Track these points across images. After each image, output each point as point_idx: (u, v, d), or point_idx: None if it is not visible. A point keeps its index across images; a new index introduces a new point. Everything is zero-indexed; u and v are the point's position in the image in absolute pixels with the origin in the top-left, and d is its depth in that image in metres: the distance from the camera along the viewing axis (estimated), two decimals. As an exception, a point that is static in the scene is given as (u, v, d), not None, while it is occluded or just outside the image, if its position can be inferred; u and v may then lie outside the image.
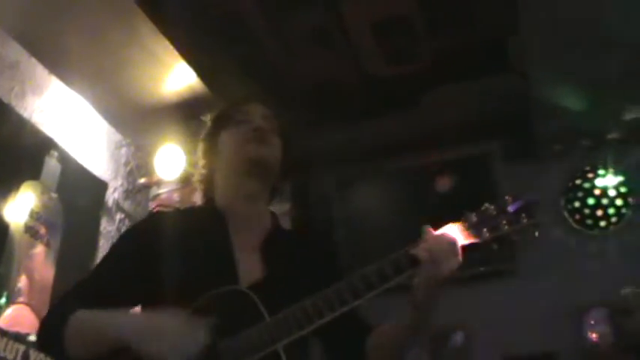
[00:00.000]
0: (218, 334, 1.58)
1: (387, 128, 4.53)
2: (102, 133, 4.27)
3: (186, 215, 2.05)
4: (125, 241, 1.93)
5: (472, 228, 1.67)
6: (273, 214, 2.00)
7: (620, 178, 4.23)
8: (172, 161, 4.22)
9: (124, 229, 4.27)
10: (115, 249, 1.92)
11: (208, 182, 2.02)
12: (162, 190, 4.45)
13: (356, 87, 4.27)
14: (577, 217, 4.29)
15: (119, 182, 4.35)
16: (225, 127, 1.99)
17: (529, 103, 4.07)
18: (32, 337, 3.34)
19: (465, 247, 1.65)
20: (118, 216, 4.29)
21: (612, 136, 4.29)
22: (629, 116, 4.15)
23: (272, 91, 4.19)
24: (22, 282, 3.38)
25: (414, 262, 1.63)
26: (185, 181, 4.31)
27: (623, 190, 4.22)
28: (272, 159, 1.94)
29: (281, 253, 1.84)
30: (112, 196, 4.26)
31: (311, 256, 1.92)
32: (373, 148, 4.55)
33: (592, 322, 4.01)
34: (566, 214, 4.32)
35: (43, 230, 3.56)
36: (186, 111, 4.20)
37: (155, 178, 4.39)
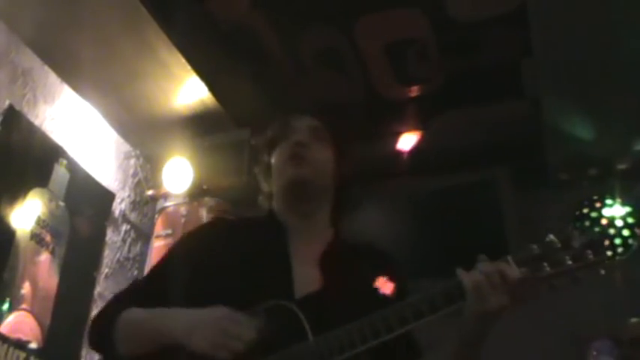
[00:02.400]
0: (259, 350, 1.53)
1: (395, 150, 4.53)
2: (111, 143, 4.28)
3: (246, 224, 1.98)
4: (182, 245, 1.92)
5: (532, 261, 1.53)
6: (336, 227, 1.93)
7: (628, 209, 4.20)
8: (180, 175, 4.23)
9: (129, 240, 4.28)
10: (171, 252, 1.91)
11: (270, 201, 1.97)
12: (169, 203, 4.45)
13: (366, 107, 4.28)
14: (583, 246, 4.26)
15: (126, 193, 4.36)
16: (275, 147, 1.95)
17: (540, 129, 4.07)
18: (33, 344, 3.34)
19: (522, 282, 1.51)
20: (124, 227, 4.29)
21: (621, 166, 4.28)
22: (638, 147, 4.15)
23: (282, 108, 4.21)
24: (26, 289, 3.38)
25: (464, 293, 1.52)
26: (192, 195, 4.32)
27: (630, 220, 4.19)
28: (313, 176, 1.85)
29: (340, 266, 1.76)
30: (118, 206, 4.26)
31: (372, 271, 1.81)
32: (381, 169, 4.54)
33: (595, 353, 3.98)
34: (572, 242, 4.30)
35: (48, 238, 3.56)
36: (196, 125, 4.22)
37: (162, 191, 4.39)
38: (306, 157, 1.85)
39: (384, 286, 1.76)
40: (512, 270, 1.51)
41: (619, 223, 4.20)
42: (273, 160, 1.94)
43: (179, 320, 1.60)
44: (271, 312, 1.58)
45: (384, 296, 1.62)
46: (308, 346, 1.55)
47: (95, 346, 1.82)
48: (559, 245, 1.54)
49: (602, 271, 1.56)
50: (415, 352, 1.76)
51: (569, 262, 1.52)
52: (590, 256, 1.53)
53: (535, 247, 1.54)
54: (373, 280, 1.77)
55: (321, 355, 1.53)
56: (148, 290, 1.79)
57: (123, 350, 1.65)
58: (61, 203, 3.69)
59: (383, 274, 1.81)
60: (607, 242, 4.22)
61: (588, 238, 1.54)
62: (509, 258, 1.54)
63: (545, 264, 1.52)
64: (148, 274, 1.89)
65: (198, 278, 1.71)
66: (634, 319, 3.75)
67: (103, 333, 1.70)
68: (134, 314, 1.68)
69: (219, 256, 1.76)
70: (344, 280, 1.72)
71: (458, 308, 1.53)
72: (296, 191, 1.86)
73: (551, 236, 1.55)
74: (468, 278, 1.51)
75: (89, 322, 1.82)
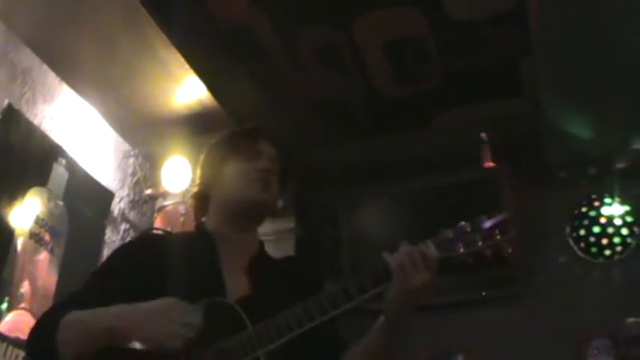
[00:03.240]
0: (202, 342, 1.62)
1: (395, 148, 4.53)
2: (110, 142, 4.28)
3: (177, 238, 2.11)
4: (116, 258, 1.98)
5: (447, 243, 1.72)
6: (260, 241, 2.07)
7: (627, 208, 4.21)
8: (179, 173, 4.23)
9: (128, 240, 4.28)
10: (106, 265, 1.99)
11: (201, 202, 2.09)
12: (168, 202, 4.45)
13: (365, 106, 4.28)
14: (582, 244, 4.27)
15: (125, 192, 4.36)
16: (233, 156, 2.05)
17: (539, 128, 4.07)
18: (32, 344, 3.34)
19: (440, 261, 1.69)
20: (123, 226, 4.29)
21: (620, 165, 4.28)
22: (636, 146, 4.15)
23: (281, 107, 4.21)
24: (25, 288, 3.38)
25: (390, 274, 1.67)
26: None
27: (629, 219, 4.20)
28: (270, 204, 2.02)
29: (266, 273, 1.91)
30: (117, 205, 4.26)
31: (295, 277, 1.99)
32: (381, 167, 4.54)
33: (595, 352, 3.98)
34: (571, 241, 4.31)
35: (47, 237, 3.56)
36: (195, 124, 4.22)
37: (161, 190, 4.38)
38: (272, 185, 2.01)
39: (307, 290, 1.84)
40: (431, 250, 1.69)
41: (618, 221, 4.21)
42: (230, 169, 2.03)
43: (126, 315, 1.65)
44: (211, 307, 1.67)
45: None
46: (248, 333, 1.65)
47: (33, 354, 1.83)
48: (469, 229, 1.73)
49: (509, 250, 1.74)
50: (340, 345, 1.88)
51: (480, 243, 1.72)
52: (497, 236, 1.72)
53: (449, 231, 1.74)
54: (297, 284, 1.91)
55: (261, 341, 1.64)
56: (85, 302, 1.78)
57: (66, 353, 1.66)
58: (60, 202, 3.69)
59: (305, 279, 2.00)
60: (606, 241, 4.20)
61: (495, 220, 1.74)
62: (428, 241, 1.72)
63: (460, 245, 1.72)
64: (85, 287, 1.89)
65: (134, 290, 1.75)
66: (630, 319, 3.76)
67: (42, 338, 1.71)
68: (77, 315, 1.69)
69: (153, 269, 1.81)
70: (271, 286, 1.86)
71: (385, 289, 1.68)
72: (254, 212, 2.01)
73: (462, 222, 1.75)
74: (392, 259, 1.68)
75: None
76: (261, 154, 2.03)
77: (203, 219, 2.07)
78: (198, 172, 2.14)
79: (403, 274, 1.64)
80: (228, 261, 1.91)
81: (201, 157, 2.17)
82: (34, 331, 1.80)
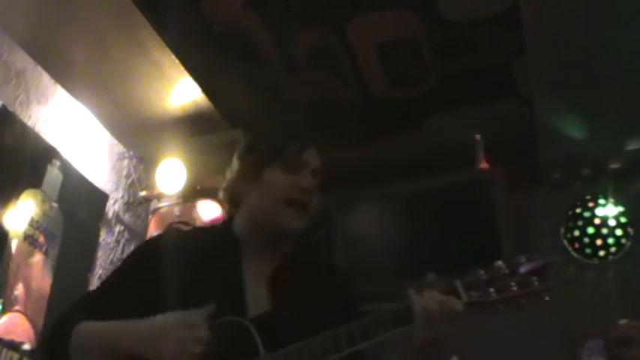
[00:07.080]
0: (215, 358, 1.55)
1: (388, 150, 4.53)
2: (104, 144, 4.27)
3: (200, 236, 1.95)
4: (135, 259, 1.90)
5: (479, 285, 1.57)
6: (292, 246, 1.89)
7: (621, 209, 4.22)
8: (174, 175, 4.23)
9: (122, 241, 4.28)
10: (124, 265, 1.91)
11: (233, 199, 1.93)
12: (162, 204, 4.45)
13: (359, 108, 4.28)
14: (576, 245, 4.28)
15: (120, 194, 4.35)
16: (273, 163, 1.84)
17: (533, 129, 4.08)
18: (27, 346, 3.33)
19: (469, 305, 1.55)
20: (118, 228, 4.29)
21: (614, 166, 4.29)
22: (630, 147, 4.16)
23: (275, 109, 4.21)
24: (19, 290, 3.38)
25: (412, 317, 1.55)
26: (186, 196, 4.32)
27: (623, 220, 4.21)
28: (303, 229, 1.83)
29: (291, 286, 1.75)
30: (112, 207, 4.25)
31: (322, 292, 1.80)
32: (374, 169, 4.54)
33: (588, 353, 3.99)
34: (565, 242, 4.31)
35: (42, 239, 3.56)
36: (189, 126, 4.22)
37: (156, 192, 4.38)
38: (308, 209, 1.82)
39: (334, 309, 1.75)
40: (459, 305, 1.54)
41: (612, 222, 4.22)
42: (268, 176, 1.83)
43: (133, 331, 1.60)
44: (224, 328, 1.58)
45: (334, 319, 1.61)
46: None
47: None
48: (506, 271, 1.56)
49: (547, 298, 1.58)
50: None
51: (514, 289, 1.56)
52: (535, 283, 1.56)
53: (482, 272, 1.57)
54: (324, 302, 1.77)
55: None
56: (101, 304, 1.76)
57: None
58: (55, 204, 3.69)
59: (334, 296, 1.82)
60: (600, 242, 4.15)
61: (534, 265, 1.57)
62: (458, 283, 1.57)
63: (492, 289, 1.56)
64: (99, 289, 1.88)
65: (150, 295, 1.70)
66: (623, 320, 3.76)
67: (56, 347, 1.70)
68: (89, 326, 1.67)
69: (172, 272, 1.76)
70: (295, 302, 1.72)
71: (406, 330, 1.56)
72: (280, 237, 1.84)
73: (499, 262, 1.58)
74: (418, 302, 1.55)
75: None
76: (305, 167, 1.84)
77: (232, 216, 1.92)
78: (236, 164, 1.94)
79: (425, 323, 1.53)
80: (252, 268, 1.79)
81: (241, 147, 2.00)
82: (49, 338, 1.78)
